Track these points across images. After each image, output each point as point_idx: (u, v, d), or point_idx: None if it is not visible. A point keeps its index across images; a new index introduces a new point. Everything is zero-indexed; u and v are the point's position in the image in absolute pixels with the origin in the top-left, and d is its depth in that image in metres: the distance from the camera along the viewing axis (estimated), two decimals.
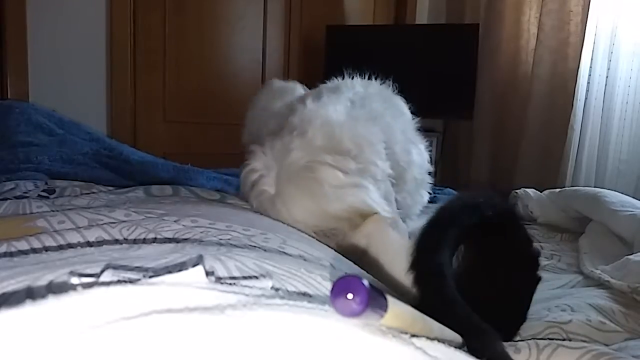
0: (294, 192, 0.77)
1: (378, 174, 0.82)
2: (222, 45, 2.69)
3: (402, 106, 1.06)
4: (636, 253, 0.85)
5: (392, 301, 0.27)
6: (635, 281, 0.75)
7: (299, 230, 0.71)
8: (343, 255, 0.61)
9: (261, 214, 0.78)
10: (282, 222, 0.74)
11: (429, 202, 1.39)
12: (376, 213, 0.74)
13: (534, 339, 0.57)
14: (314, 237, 0.70)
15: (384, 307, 0.27)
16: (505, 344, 0.55)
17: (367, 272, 0.60)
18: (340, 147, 0.80)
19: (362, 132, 0.84)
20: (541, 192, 1.31)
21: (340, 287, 0.25)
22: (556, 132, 2.31)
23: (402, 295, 0.55)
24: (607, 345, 0.61)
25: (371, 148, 0.84)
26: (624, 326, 0.67)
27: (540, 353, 0.52)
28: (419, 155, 1.03)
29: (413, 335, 0.28)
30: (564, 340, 0.58)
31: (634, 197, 1.14)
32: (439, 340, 0.29)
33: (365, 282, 0.25)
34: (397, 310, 0.28)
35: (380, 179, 0.83)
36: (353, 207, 0.75)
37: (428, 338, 0.28)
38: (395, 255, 0.64)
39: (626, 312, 0.70)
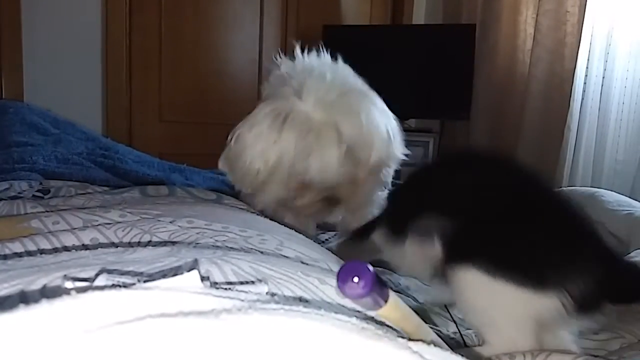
0: (353, 105, 0.77)
1: None
2: (219, 44, 2.68)
3: None
4: (632, 253, 0.86)
5: (393, 293, 0.29)
6: None
7: None
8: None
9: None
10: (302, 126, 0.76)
11: None
12: None
13: None
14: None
15: (385, 296, 0.29)
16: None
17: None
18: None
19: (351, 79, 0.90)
20: None
21: (347, 271, 0.27)
22: (553, 132, 2.31)
23: None
24: (602, 349, 0.61)
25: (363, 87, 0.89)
26: (620, 330, 0.67)
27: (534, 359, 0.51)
28: None
29: (410, 339, 0.28)
30: None
31: (630, 197, 1.14)
32: (435, 344, 0.29)
33: (371, 268, 0.27)
34: (397, 302, 0.30)
35: None
36: (379, 151, 0.79)
37: (424, 342, 0.28)
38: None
39: (621, 318, 0.69)
